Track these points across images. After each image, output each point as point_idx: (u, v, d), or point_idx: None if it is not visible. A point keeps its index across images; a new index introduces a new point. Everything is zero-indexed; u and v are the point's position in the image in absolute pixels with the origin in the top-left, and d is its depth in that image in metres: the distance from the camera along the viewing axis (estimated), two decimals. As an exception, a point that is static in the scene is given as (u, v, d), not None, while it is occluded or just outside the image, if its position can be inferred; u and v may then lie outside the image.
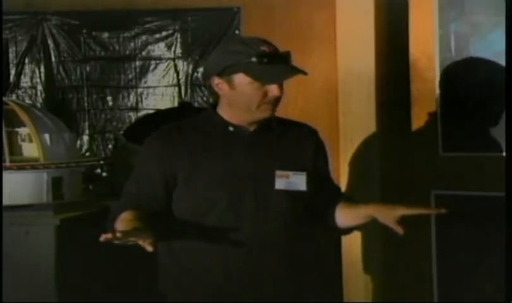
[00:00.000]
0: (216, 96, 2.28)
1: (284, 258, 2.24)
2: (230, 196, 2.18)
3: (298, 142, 2.33)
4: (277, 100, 2.21)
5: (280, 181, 2.22)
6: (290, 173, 2.23)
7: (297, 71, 2.19)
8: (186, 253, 2.23)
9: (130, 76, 3.85)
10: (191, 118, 2.36)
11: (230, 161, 2.21)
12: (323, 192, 2.33)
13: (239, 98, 2.20)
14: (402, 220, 2.12)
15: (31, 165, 2.97)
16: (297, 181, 2.24)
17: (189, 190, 2.21)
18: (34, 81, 3.87)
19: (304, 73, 2.20)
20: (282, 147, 2.29)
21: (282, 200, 2.22)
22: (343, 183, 3.24)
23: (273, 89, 2.17)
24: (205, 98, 3.80)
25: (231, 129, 2.25)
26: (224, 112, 2.27)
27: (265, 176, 2.22)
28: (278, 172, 2.22)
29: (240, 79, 2.17)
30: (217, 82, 2.22)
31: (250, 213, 2.17)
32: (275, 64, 2.16)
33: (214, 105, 2.31)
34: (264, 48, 2.16)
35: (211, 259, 2.20)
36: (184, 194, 2.22)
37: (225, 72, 2.18)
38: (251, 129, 2.26)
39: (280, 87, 2.19)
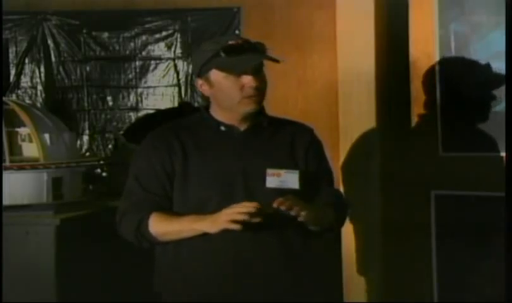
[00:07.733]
0: (206, 99, 2.32)
1: (276, 257, 2.23)
2: (221, 195, 2.19)
3: (291, 141, 2.33)
4: (258, 92, 2.22)
5: (271, 179, 2.22)
6: (282, 171, 2.23)
7: (265, 57, 2.22)
8: (179, 252, 2.23)
9: (130, 76, 3.85)
10: (184, 119, 2.38)
11: (221, 160, 2.23)
12: (316, 191, 2.31)
13: (219, 95, 2.24)
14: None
15: (31, 165, 2.96)
16: (289, 179, 2.22)
17: (182, 188, 2.23)
18: (34, 81, 3.86)
19: (276, 60, 2.22)
20: (274, 146, 2.30)
21: (273, 199, 2.19)
22: (343, 183, 3.24)
23: (248, 79, 2.19)
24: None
25: (222, 128, 2.28)
26: (214, 112, 2.30)
27: (256, 175, 2.22)
28: (269, 171, 2.22)
29: (215, 75, 2.23)
30: (200, 83, 2.28)
31: None
32: (244, 55, 2.19)
33: (207, 106, 2.34)
34: (232, 42, 2.21)
35: (204, 258, 2.21)
36: (177, 192, 2.24)
37: (202, 72, 2.25)
38: (243, 128, 2.28)
39: (257, 77, 2.21)
